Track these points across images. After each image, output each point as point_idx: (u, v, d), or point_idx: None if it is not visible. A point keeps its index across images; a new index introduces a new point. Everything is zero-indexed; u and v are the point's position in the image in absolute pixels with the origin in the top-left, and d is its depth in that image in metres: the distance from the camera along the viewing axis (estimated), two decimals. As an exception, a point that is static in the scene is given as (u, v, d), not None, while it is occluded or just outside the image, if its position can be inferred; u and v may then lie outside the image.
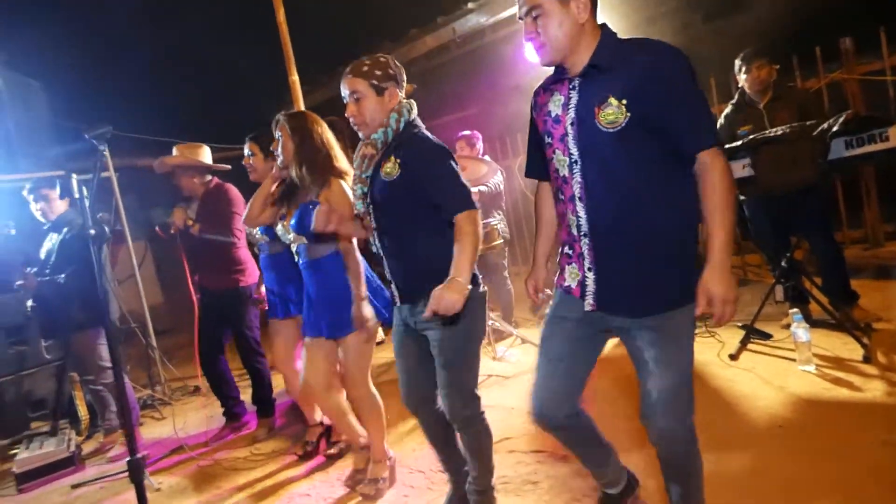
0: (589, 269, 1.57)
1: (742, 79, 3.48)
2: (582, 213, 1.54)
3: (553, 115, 1.57)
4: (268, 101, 7.76)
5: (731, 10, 5.73)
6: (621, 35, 1.56)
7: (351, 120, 1.99)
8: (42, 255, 3.68)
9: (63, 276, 3.49)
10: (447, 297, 1.75)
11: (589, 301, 1.59)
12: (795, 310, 3.04)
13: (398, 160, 1.91)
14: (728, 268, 1.46)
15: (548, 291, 1.94)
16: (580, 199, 1.54)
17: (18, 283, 3.60)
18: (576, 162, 1.52)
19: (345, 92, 1.97)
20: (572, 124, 1.51)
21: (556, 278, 1.72)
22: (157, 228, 3.43)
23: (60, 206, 3.65)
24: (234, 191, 3.51)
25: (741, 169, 3.29)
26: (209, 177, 3.55)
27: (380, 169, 1.95)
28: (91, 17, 7.18)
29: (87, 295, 3.46)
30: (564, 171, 1.56)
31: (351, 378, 2.49)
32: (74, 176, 1.85)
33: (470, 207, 1.87)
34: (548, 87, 1.63)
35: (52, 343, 4.10)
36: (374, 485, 2.51)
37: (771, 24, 4.84)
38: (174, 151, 3.48)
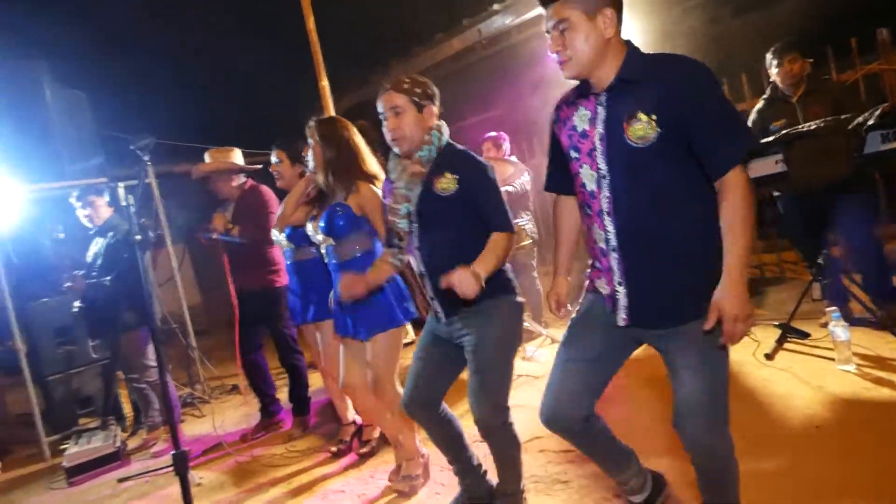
0: (619, 284, 1.57)
1: (774, 73, 3.41)
2: (610, 228, 1.55)
3: (580, 130, 1.58)
4: (299, 105, 7.92)
5: (763, 2, 5.62)
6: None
7: (389, 135, 2.02)
8: (88, 259, 3.85)
9: (109, 278, 3.65)
10: (464, 282, 1.80)
11: (622, 316, 1.59)
12: (833, 308, 2.98)
13: (455, 176, 1.95)
14: (744, 284, 1.44)
15: (569, 308, 1.94)
16: (608, 213, 1.54)
17: (67, 285, 3.78)
18: (604, 177, 1.53)
19: (383, 107, 2.01)
20: (601, 139, 1.52)
21: (586, 286, 1.74)
22: (201, 239, 3.54)
23: (105, 212, 3.82)
24: (268, 191, 3.61)
25: (774, 164, 3.24)
26: (243, 178, 3.66)
27: (432, 186, 1.98)
28: (130, 29, 7.49)
29: (133, 297, 3.62)
30: (592, 186, 1.57)
31: (379, 379, 2.53)
32: (121, 185, 1.95)
33: (509, 230, 1.96)
34: (571, 102, 1.64)
35: (98, 343, 4.27)
36: (409, 481, 2.57)
37: (804, 16, 4.73)
38: (206, 157, 3.60)
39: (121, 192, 1.98)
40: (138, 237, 1.88)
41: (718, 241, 1.51)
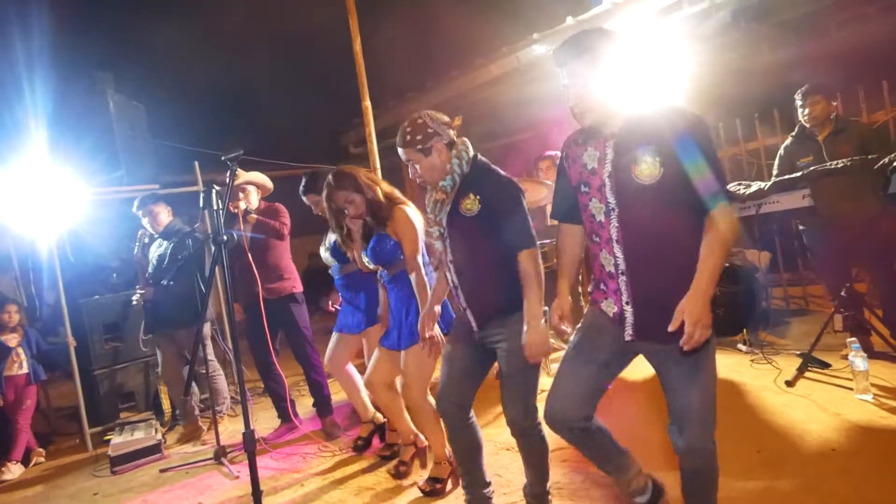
0: (627, 303, 1.75)
1: (800, 113, 3.55)
2: (619, 254, 1.73)
3: (589, 167, 1.78)
4: (339, 123, 8.23)
5: (799, 41, 5.71)
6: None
7: (417, 181, 2.24)
8: (153, 260, 4.15)
9: (170, 280, 3.93)
10: (535, 342, 2.00)
11: (628, 332, 1.76)
12: (853, 339, 3.07)
13: (477, 196, 2.12)
14: (708, 297, 1.59)
15: (568, 330, 2.03)
16: (617, 241, 1.73)
17: (139, 291, 4.10)
18: (612, 209, 1.72)
19: (403, 159, 2.21)
20: (609, 177, 1.72)
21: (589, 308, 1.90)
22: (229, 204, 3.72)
23: (165, 218, 4.12)
24: (283, 207, 3.89)
25: (801, 199, 3.36)
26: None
27: (459, 207, 2.16)
28: (186, 49, 7.94)
29: (192, 296, 3.95)
30: (601, 217, 1.76)
31: (409, 387, 2.69)
32: (215, 188, 2.16)
33: (531, 246, 2.09)
34: (579, 143, 1.84)
35: (150, 338, 4.45)
36: (434, 483, 2.73)
37: (837, 56, 4.84)
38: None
39: (214, 196, 2.18)
40: (224, 238, 2.08)
41: None
